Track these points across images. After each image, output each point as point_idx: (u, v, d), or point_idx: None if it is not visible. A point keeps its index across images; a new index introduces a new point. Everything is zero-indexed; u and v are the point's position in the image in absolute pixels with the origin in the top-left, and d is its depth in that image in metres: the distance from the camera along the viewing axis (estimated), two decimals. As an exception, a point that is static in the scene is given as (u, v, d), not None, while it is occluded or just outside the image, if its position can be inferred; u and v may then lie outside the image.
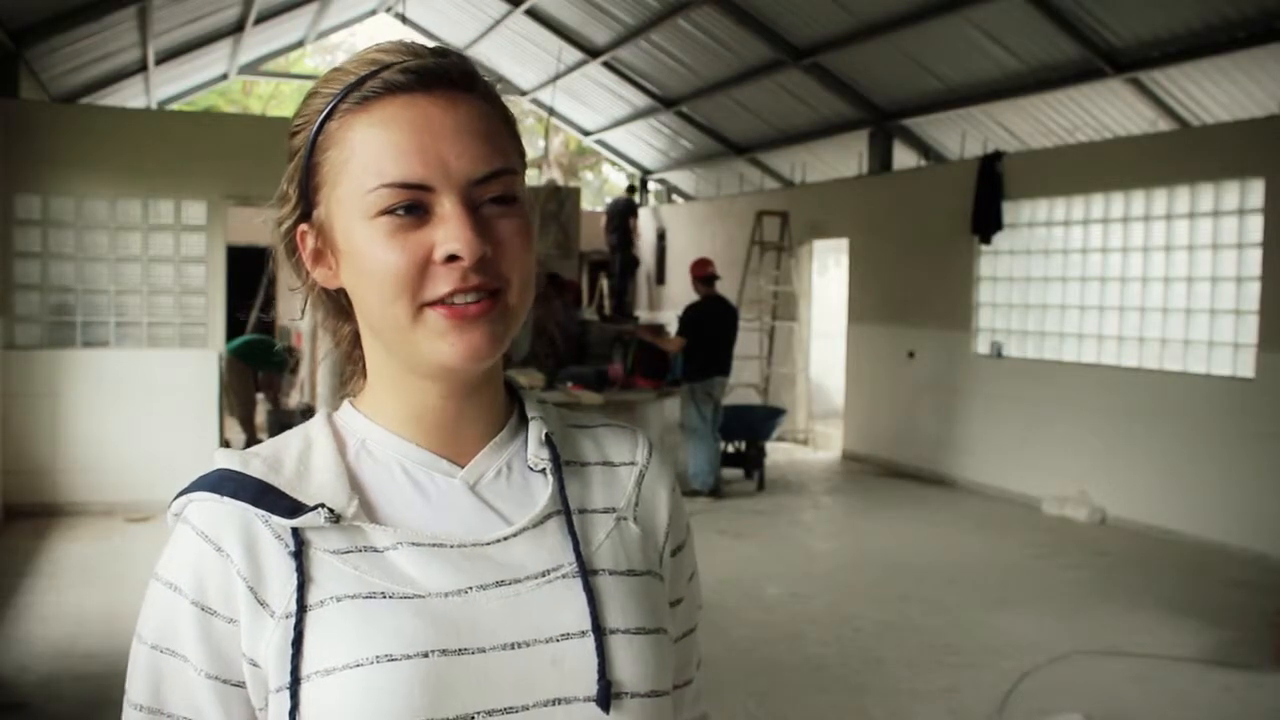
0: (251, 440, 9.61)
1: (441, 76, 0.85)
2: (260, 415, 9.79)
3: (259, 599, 0.83)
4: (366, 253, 0.84)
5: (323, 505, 0.84)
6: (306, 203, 0.88)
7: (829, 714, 4.39)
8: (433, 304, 0.83)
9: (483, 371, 0.89)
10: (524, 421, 0.96)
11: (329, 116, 0.85)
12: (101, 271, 7.62)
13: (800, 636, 5.28)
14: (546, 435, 0.94)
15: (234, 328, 8.31)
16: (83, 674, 4.47)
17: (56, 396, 7.45)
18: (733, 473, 9.11)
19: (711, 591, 5.76)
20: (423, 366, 0.87)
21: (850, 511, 8.56)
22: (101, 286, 7.62)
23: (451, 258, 0.82)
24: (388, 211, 0.83)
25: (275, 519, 0.84)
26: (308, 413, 10.12)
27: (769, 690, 4.56)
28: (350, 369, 0.98)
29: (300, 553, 0.84)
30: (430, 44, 0.89)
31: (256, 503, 0.84)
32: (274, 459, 0.88)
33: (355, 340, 0.95)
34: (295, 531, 0.84)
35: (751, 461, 9.08)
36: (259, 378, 9.53)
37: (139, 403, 7.58)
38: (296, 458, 0.89)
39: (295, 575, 0.83)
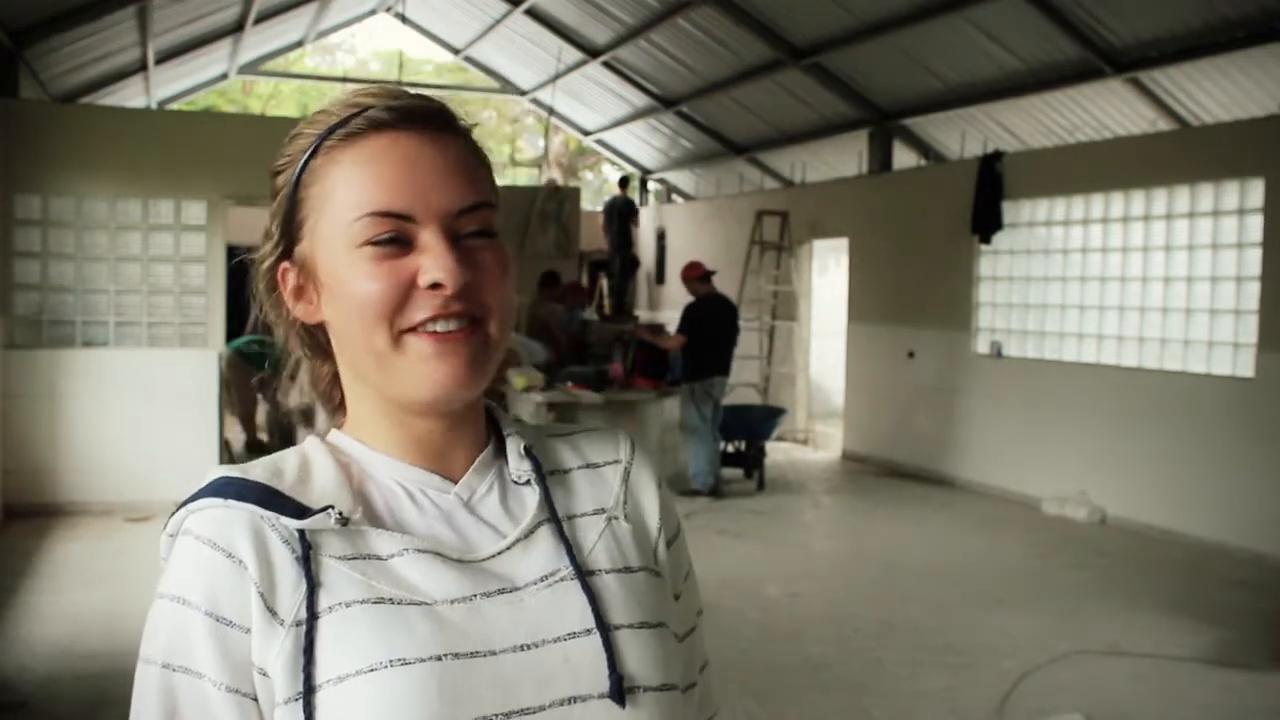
0: (252, 439, 9.60)
1: (423, 115, 0.88)
2: (260, 415, 9.78)
3: (269, 606, 0.81)
4: (348, 281, 0.85)
5: (331, 507, 0.84)
6: (289, 239, 0.90)
7: (829, 714, 4.39)
8: (413, 330, 0.85)
9: (466, 405, 0.90)
10: (503, 440, 0.96)
11: (313, 154, 0.87)
12: (101, 271, 7.61)
13: (800, 636, 5.28)
14: (526, 448, 0.95)
15: (236, 327, 8.29)
16: (83, 674, 4.47)
17: (56, 396, 7.45)
18: (733, 473, 9.10)
19: (711, 591, 5.76)
20: (405, 398, 0.87)
21: (850, 511, 8.56)
22: (101, 286, 7.62)
23: (435, 285, 0.84)
24: (371, 242, 0.84)
25: (283, 521, 0.83)
26: (307, 412, 10.14)
27: (769, 690, 4.56)
28: (328, 408, 0.98)
29: (308, 557, 0.83)
30: (411, 90, 0.91)
31: (264, 505, 0.84)
32: (274, 467, 0.88)
33: (334, 380, 0.96)
34: (302, 536, 0.83)
35: (751, 461, 9.08)
36: (259, 377, 9.52)
37: (139, 403, 7.57)
38: (297, 466, 0.89)
39: (304, 581, 0.82)
